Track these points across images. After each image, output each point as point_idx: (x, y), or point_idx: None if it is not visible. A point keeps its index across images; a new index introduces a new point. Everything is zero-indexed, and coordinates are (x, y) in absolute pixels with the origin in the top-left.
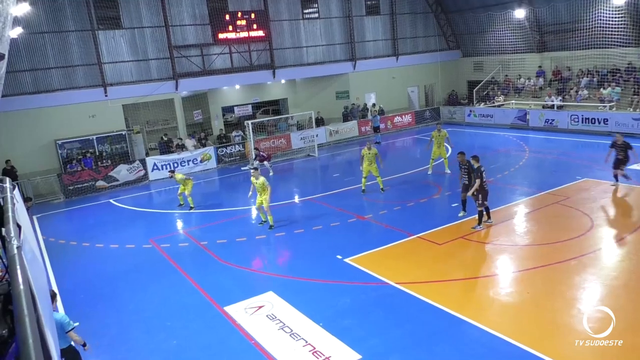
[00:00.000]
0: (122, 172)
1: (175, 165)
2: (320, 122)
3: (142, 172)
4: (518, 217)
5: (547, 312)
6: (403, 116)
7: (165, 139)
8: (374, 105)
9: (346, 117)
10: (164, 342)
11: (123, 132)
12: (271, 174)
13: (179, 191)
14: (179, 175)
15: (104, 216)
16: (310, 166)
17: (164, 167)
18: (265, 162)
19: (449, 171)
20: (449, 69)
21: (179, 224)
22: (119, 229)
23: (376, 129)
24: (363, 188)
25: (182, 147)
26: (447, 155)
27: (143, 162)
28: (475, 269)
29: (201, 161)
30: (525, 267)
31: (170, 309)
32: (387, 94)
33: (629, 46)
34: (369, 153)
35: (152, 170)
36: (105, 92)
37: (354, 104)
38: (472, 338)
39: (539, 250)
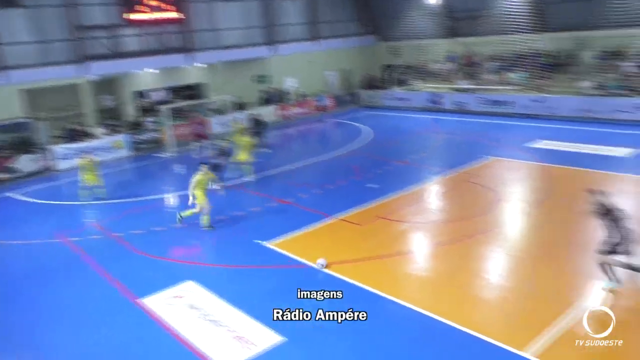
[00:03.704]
0: (25, 163)
1: (85, 153)
2: (240, 106)
3: (48, 163)
4: (432, 195)
5: (460, 284)
6: (318, 100)
7: (79, 127)
8: (294, 88)
9: (266, 101)
10: (77, 340)
11: (24, 120)
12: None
13: (85, 182)
14: (81, 161)
15: (4, 211)
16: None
17: (73, 156)
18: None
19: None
20: (367, 53)
21: (91, 216)
22: (21, 225)
23: (322, 108)
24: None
25: (90, 135)
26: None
27: (47, 151)
28: (394, 247)
29: (113, 149)
30: (439, 243)
31: (82, 305)
32: (307, 78)
33: (531, 32)
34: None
35: (60, 160)
36: (1, 76)
37: (273, 87)
38: (391, 312)
39: (451, 226)
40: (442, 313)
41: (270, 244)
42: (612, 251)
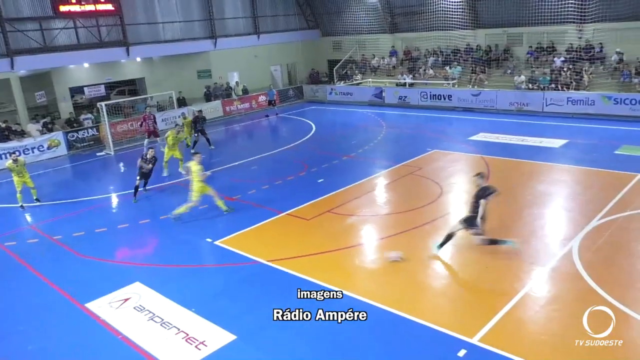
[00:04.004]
0: None
1: (18, 153)
2: (182, 102)
3: None
4: (378, 188)
5: (408, 274)
6: (267, 95)
7: (3, 125)
8: (237, 83)
9: (209, 97)
10: (18, 348)
11: None
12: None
13: (17, 188)
14: (8, 163)
15: None
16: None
17: (3, 156)
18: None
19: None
20: (309, 48)
21: (26, 219)
22: None
23: (271, 103)
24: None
25: (21, 134)
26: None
27: None
28: (342, 241)
29: (48, 148)
30: (387, 235)
31: (22, 311)
32: (251, 73)
33: (466, 29)
34: (177, 137)
35: None
36: None
37: (216, 83)
38: (341, 305)
39: (397, 218)
40: (392, 304)
41: (220, 242)
42: (472, 225)
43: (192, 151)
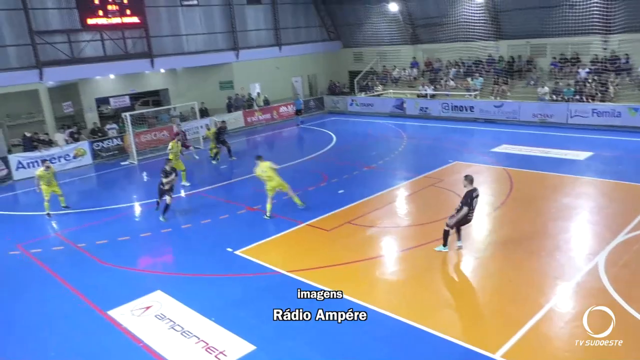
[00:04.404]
0: None
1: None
2: (204, 113)
3: (5, 172)
4: (399, 200)
5: (429, 287)
6: (288, 106)
7: (38, 135)
8: (258, 94)
9: (230, 108)
10: (40, 354)
11: None
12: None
13: (45, 197)
14: (39, 171)
15: None
16: (195, 159)
17: (31, 165)
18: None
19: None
20: (330, 59)
21: (52, 227)
22: None
23: (298, 112)
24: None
25: (49, 143)
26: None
27: (5, 160)
28: (362, 252)
29: (74, 157)
30: (407, 247)
31: (45, 318)
32: (272, 84)
33: (488, 40)
34: (177, 146)
35: (17, 169)
36: None
37: (237, 94)
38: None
39: (418, 230)
40: (412, 317)
41: (240, 252)
42: (458, 225)
43: (257, 155)
